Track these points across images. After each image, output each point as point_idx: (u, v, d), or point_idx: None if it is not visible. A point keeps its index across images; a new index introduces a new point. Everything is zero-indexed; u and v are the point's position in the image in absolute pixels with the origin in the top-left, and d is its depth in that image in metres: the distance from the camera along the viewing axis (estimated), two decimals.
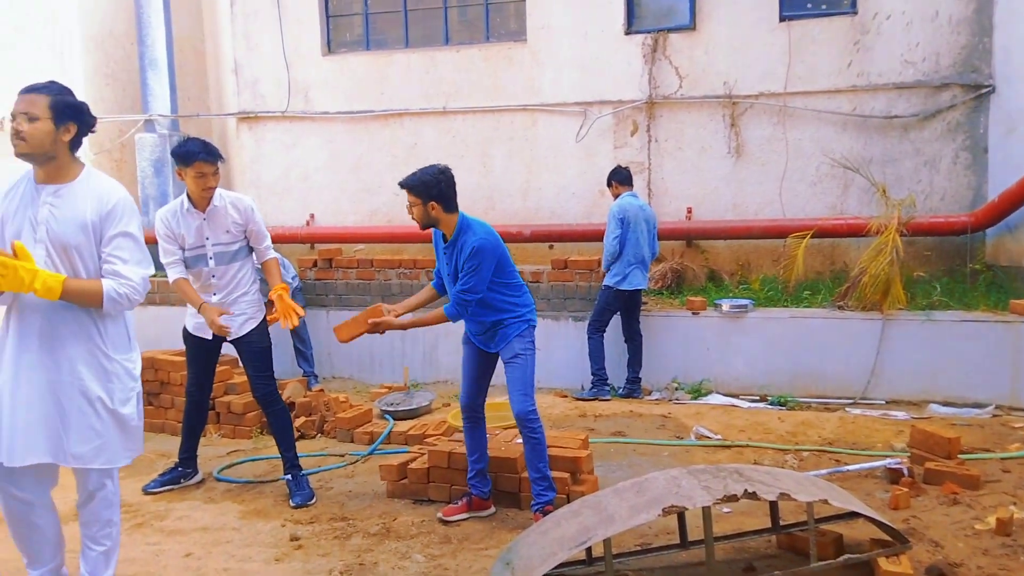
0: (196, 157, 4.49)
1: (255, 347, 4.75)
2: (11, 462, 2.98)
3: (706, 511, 3.23)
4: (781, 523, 3.78)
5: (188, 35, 9.99)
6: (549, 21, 8.37)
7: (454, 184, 4.13)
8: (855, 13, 7.65)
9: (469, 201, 4.31)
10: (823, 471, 4.75)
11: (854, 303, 6.79)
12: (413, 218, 4.15)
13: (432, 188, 4.05)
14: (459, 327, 4.39)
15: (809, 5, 7.83)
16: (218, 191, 4.64)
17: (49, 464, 3.05)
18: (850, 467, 4.84)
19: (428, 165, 4.15)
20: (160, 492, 4.85)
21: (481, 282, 4.05)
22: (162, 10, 9.01)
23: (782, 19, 7.80)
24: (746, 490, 3.21)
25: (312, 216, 9.17)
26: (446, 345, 7.48)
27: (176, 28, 9.29)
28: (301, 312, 4.63)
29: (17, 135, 2.94)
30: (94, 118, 3.11)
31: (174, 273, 4.63)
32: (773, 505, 3.76)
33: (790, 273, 7.26)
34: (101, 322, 3.07)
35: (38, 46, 9.66)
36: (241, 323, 4.70)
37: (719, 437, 5.58)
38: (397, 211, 8.79)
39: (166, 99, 9.08)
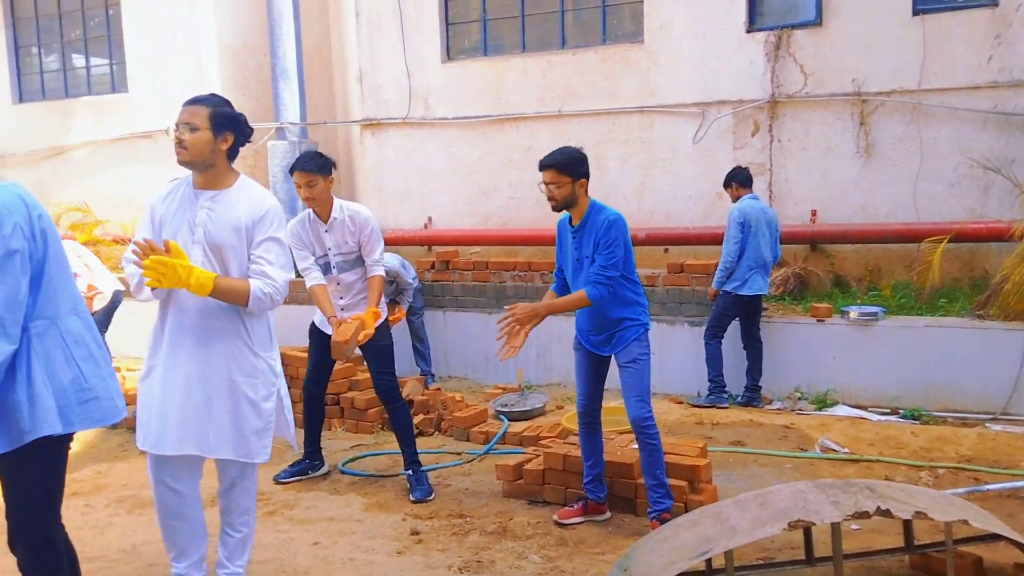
0: (296, 166, 4.73)
1: (377, 345, 4.91)
2: (159, 450, 3.17)
3: (835, 527, 3.10)
4: (915, 543, 3.59)
5: (316, 44, 10.42)
6: (667, 21, 8.24)
7: None
8: (995, 5, 7.15)
9: None
10: (960, 490, 4.48)
11: (996, 312, 6.38)
12: (552, 198, 4.03)
13: (582, 165, 4.02)
14: (571, 329, 4.39)
15: None
16: (339, 203, 4.85)
17: (198, 456, 3.23)
18: (991, 486, 4.55)
19: (563, 146, 4.13)
20: (289, 482, 5.09)
21: (621, 258, 3.99)
22: (292, 22, 9.41)
23: (915, 12, 7.38)
24: (879, 507, 3.06)
25: (430, 219, 9.38)
26: (559, 347, 7.49)
27: (304, 38, 9.69)
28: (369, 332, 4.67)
29: (179, 144, 3.14)
30: (250, 129, 3.28)
31: (312, 280, 4.83)
32: (907, 524, 3.58)
33: (925, 279, 6.89)
34: (248, 321, 3.24)
35: (181, 60, 10.32)
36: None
37: (847, 451, 5.36)
38: (512, 214, 8.88)
39: (296, 108, 9.49)
